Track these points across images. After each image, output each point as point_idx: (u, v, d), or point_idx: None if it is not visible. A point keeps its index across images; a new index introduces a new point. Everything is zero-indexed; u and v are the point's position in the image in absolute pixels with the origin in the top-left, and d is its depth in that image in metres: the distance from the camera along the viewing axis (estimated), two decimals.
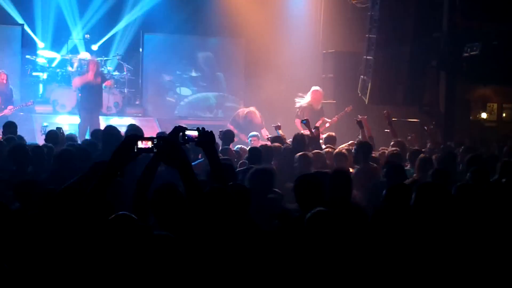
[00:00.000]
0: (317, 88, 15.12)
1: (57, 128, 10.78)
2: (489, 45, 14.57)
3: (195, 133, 4.84)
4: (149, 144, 4.39)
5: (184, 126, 4.91)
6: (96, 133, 10.35)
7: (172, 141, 4.50)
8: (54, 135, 10.17)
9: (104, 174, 4.31)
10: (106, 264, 4.12)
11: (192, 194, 4.32)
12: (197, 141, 4.89)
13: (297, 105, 14.98)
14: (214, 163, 4.97)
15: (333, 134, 11.64)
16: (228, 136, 10.89)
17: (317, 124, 13.44)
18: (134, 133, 7.03)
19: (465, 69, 15.05)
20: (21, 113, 15.49)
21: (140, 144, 4.37)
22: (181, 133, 4.83)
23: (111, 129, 9.40)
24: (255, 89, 17.62)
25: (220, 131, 11.13)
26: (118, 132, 9.24)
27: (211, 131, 4.98)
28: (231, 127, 14.31)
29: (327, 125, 14.48)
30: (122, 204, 4.98)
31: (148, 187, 4.90)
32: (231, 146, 10.73)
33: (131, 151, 4.36)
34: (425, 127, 13.24)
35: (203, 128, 4.95)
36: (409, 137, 11.21)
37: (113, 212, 4.39)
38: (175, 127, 4.86)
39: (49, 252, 4.29)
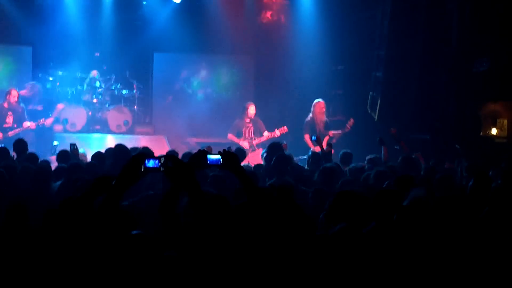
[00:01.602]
0: (318, 100, 15.15)
1: (71, 144, 10.84)
2: (498, 60, 14.53)
3: (217, 157, 4.70)
4: (156, 163, 4.39)
5: (205, 149, 4.83)
6: (109, 151, 10.37)
7: (179, 161, 4.48)
8: (65, 155, 10.21)
9: (112, 193, 4.30)
10: (114, 281, 4.13)
11: (199, 214, 4.30)
12: (221, 165, 4.73)
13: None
14: (246, 184, 4.76)
15: (349, 151, 11.58)
16: (240, 155, 10.91)
17: (325, 141, 13.51)
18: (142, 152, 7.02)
19: (474, 85, 15.01)
20: (31, 132, 15.53)
21: (148, 163, 4.37)
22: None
23: (122, 147, 9.47)
24: (265, 106, 17.61)
25: (228, 147, 11.18)
26: (128, 150, 9.29)
27: (234, 153, 4.84)
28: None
29: (334, 141, 14.53)
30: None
31: (174, 206, 4.81)
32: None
33: (138, 171, 4.35)
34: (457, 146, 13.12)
35: (224, 150, 4.82)
36: (414, 156, 11.15)
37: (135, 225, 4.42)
38: (199, 151, 4.77)
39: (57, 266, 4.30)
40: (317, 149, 11.85)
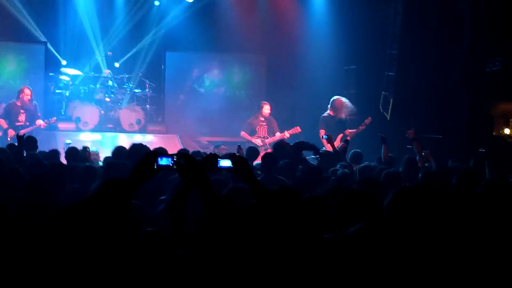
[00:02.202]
0: (336, 97, 15.11)
1: (83, 147, 10.81)
2: (511, 60, 14.48)
3: (227, 162, 4.65)
4: (169, 161, 4.39)
5: (215, 153, 4.80)
6: (120, 150, 10.26)
7: (192, 158, 4.49)
8: (74, 152, 10.16)
9: (124, 191, 4.31)
10: (129, 277, 4.14)
11: (211, 212, 4.30)
12: (232, 170, 4.68)
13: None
14: (256, 188, 4.74)
15: (359, 151, 11.53)
16: (252, 153, 10.93)
17: (338, 138, 13.52)
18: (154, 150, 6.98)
19: (487, 85, 14.96)
20: (44, 130, 15.59)
21: (160, 161, 4.37)
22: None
23: (139, 147, 9.33)
24: (277, 105, 17.63)
25: (238, 145, 11.29)
26: (145, 148, 9.19)
27: (244, 158, 4.84)
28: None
29: (348, 138, 14.48)
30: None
31: (183, 206, 4.80)
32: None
33: (151, 168, 4.36)
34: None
35: (234, 154, 4.80)
36: (423, 153, 11.15)
37: (138, 226, 4.42)
38: (209, 155, 4.76)
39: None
40: (329, 147, 11.81)
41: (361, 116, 16.18)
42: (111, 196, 4.38)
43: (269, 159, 9.29)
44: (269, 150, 14.59)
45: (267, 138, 15.18)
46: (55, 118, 15.79)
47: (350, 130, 14.76)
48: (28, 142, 10.84)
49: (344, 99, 15.17)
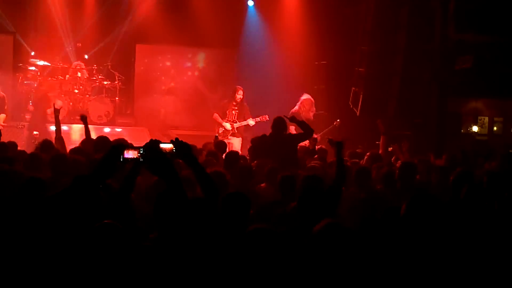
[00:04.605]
0: (307, 96, 15.08)
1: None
2: (481, 58, 14.58)
3: (169, 146, 4.59)
4: (135, 154, 4.34)
5: (162, 140, 4.69)
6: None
7: (158, 151, 4.43)
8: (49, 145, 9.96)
9: (89, 184, 4.25)
10: (91, 271, 4.09)
11: (178, 204, 4.26)
12: (174, 154, 4.63)
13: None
14: (199, 173, 4.77)
15: (324, 147, 11.50)
16: (220, 147, 10.92)
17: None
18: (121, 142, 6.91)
19: (456, 82, 15.05)
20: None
21: (126, 154, 4.32)
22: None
23: (103, 139, 9.23)
24: (247, 99, 17.59)
25: (216, 136, 11.37)
26: (109, 142, 9.08)
27: (186, 143, 4.77)
28: None
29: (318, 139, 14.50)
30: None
31: (129, 197, 4.82)
32: None
33: (117, 161, 4.30)
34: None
35: (176, 139, 4.73)
36: (390, 149, 11.19)
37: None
38: (150, 140, 4.62)
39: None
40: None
41: (330, 112, 16.21)
42: (82, 192, 4.32)
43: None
44: (237, 134, 14.77)
45: (236, 122, 15.17)
46: (24, 124, 15.60)
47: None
48: None
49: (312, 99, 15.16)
